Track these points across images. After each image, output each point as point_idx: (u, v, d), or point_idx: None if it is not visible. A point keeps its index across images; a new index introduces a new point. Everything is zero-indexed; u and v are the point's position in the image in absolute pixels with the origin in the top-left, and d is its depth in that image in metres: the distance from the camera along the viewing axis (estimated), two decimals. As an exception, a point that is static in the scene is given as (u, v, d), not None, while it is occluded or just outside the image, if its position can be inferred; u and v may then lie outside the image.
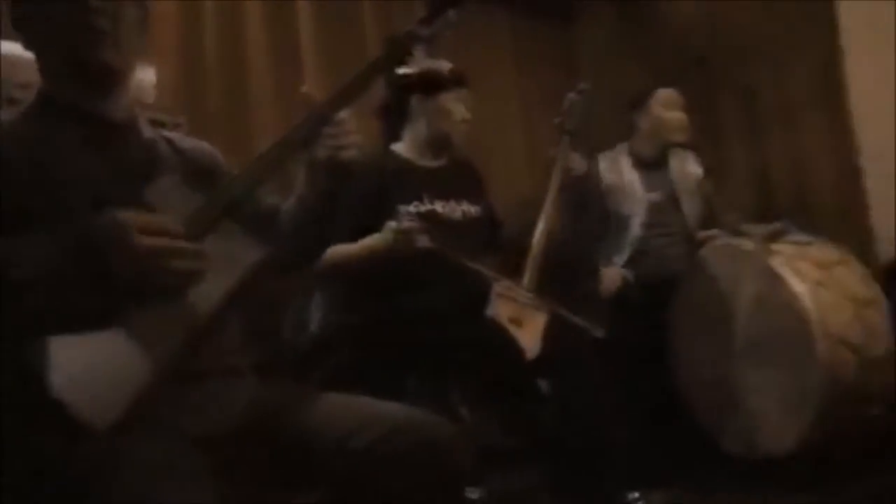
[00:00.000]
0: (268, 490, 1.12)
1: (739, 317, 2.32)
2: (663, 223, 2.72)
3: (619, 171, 2.76)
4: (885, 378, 2.20)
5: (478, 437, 2.01)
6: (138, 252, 0.96)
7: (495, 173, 2.58)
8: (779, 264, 2.23)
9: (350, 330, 2.09)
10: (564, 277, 2.30)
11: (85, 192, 1.09)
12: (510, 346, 1.85)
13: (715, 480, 2.26)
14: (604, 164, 2.80)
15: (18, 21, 1.20)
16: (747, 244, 2.38)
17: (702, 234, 2.70)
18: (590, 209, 2.58)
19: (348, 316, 2.10)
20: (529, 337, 1.93)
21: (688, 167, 2.82)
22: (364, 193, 2.02)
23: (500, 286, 1.99)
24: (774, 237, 2.37)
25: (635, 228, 2.68)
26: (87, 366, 0.95)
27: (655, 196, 2.72)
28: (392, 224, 1.86)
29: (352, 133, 1.20)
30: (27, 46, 1.21)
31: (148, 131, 1.29)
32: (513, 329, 1.92)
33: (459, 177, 2.22)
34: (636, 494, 1.93)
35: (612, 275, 2.61)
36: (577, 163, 2.27)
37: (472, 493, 1.88)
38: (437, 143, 2.19)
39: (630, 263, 2.66)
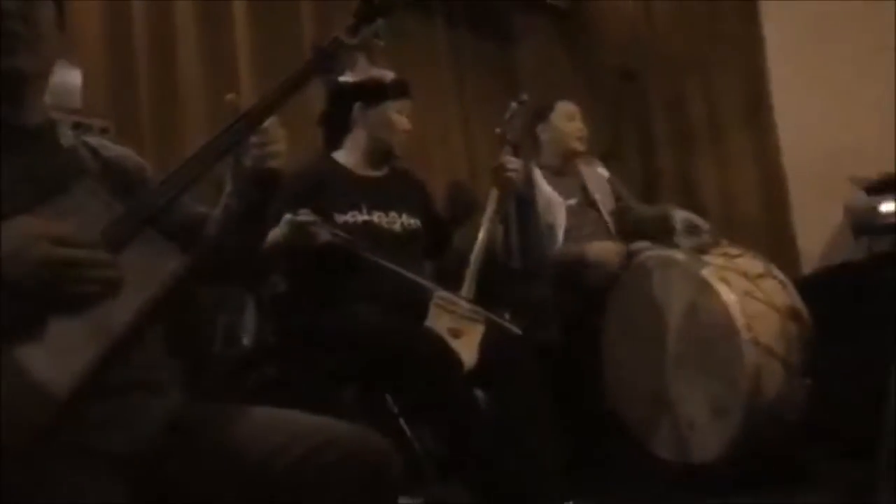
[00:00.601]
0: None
1: (670, 325, 2.37)
2: (583, 226, 2.80)
3: (535, 182, 2.82)
4: (805, 386, 2.28)
5: (414, 448, 2.00)
6: (47, 261, 0.92)
7: (436, 183, 2.57)
8: (709, 274, 2.29)
9: (285, 342, 2.06)
10: (508, 286, 2.32)
11: None
12: (448, 357, 1.84)
13: (646, 487, 2.30)
14: None
15: None
16: (678, 254, 2.44)
17: (633, 246, 2.78)
18: (532, 218, 2.61)
19: (283, 328, 2.07)
20: (467, 348, 1.94)
21: (597, 169, 2.97)
22: (300, 200, 1.99)
23: (439, 297, 1.99)
24: (705, 248, 2.43)
25: (560, 236, 2.74)
26: None
27: (572, 202, 2.82)
28: (288, 217, 1.82)
29: (278, 142, 1.18)
30: None
31: (68, 138, 1.24)
32: (451, 340, 1.93)
33: (400, 188, 2.22)
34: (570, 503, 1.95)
35: (608, 248, 2.65)
36: (518, 170, 2.29)
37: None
38: (378, 153, 2.18)
39: (558, 271, 2.70)
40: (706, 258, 2.39)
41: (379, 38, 1.21)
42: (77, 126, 1.40)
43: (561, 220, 2.77)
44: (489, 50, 3.64)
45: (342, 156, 2.19)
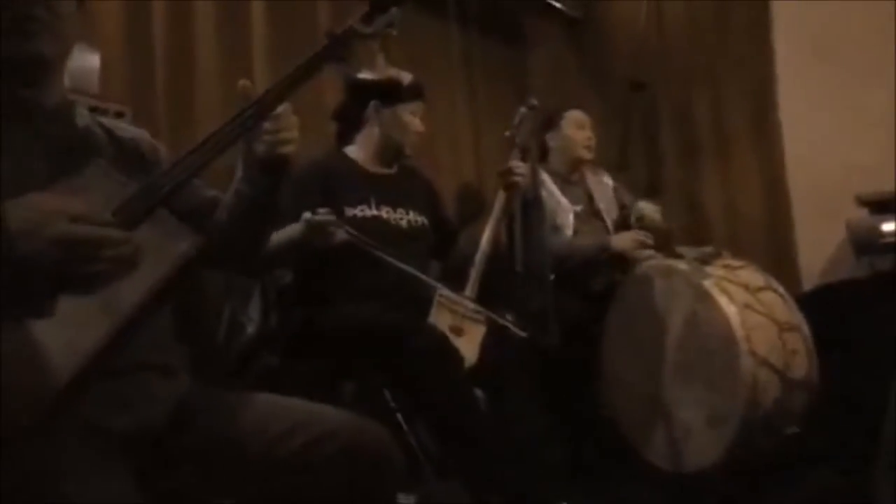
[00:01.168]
0: (191, 492, 1.10)
1: (670, 334, 2.38)
2: (587, 234, 2.82)
3: (545, 185, 2.84)
4: (802, 399, 2.30)
5: (410, 444, 2.01)
6: (63, 238, 0.93)
7: (444, 184, 2.59)
8: (710, 285, 2.31)
9: (288, 333, 2.07)
10: (511, 288, 2.33)
11: (8, 175, 1.05)
12: (449, 354, 1.86)
13: (639, 494, 2.31)
14: None
15: None
16: (680, 264, 2.46)
17: (636, 253, 2.81)
18: (540, 221, 2.63)
19: (287, 319, 2.08)
20: (468, 346, 1.96)
21: (602, 178, 3.00)
22: (311, 192, 2.02)
23: (442, 294, 2.01)
24: (707, 259, 2.45)
25: (566, 240, 2.76)
26: (7, 360, 0.92)
27: (577, 209, 2.85)
28: (307, 215, 1.84)
29: (290, 128, 1.19)
30: None
31: (84, 119, 1.25)
32: (452, 337, 1.95)
33: (408, 186, 2.24)
34: (564, 504, 1.97)
35: (630, 237, 2.69)
36: (525, 175, 2.31)
37: (404, 500, 1.87)
38: (389, 152, 2.21)
39: (560, 275, 2.72)
40: (708, 269, 2.40)
41: (392, 27, 1.21)
42: (94, 110, 1.41)
43: (569, 224, 2.79)
44: (501, 55, 3.66)
45: (353, 151, 2.22)
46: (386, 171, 2.22)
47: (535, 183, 2.58)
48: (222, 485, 1.11)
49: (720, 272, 2.40)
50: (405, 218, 2.16)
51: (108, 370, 1.01)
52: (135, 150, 1.28)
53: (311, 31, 2.73)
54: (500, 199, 2.26)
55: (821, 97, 3.15)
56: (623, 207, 2.96)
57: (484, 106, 3.50)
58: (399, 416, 2.02)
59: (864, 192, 2.67)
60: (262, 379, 2.04)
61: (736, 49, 3.41)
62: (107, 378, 1.02)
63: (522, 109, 2.41)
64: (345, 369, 2.04)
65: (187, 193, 1.23)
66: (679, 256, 2.53)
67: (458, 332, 1.99)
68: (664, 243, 2.79)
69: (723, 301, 2.26)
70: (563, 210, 2.81)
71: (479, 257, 2.15)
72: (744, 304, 2.27)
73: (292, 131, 1.20)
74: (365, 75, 2.19)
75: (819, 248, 3.15)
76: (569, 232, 2.78)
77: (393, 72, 2.20)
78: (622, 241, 2.70)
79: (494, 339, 2.01)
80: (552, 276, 2.64)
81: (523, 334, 1.99)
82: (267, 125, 1.17)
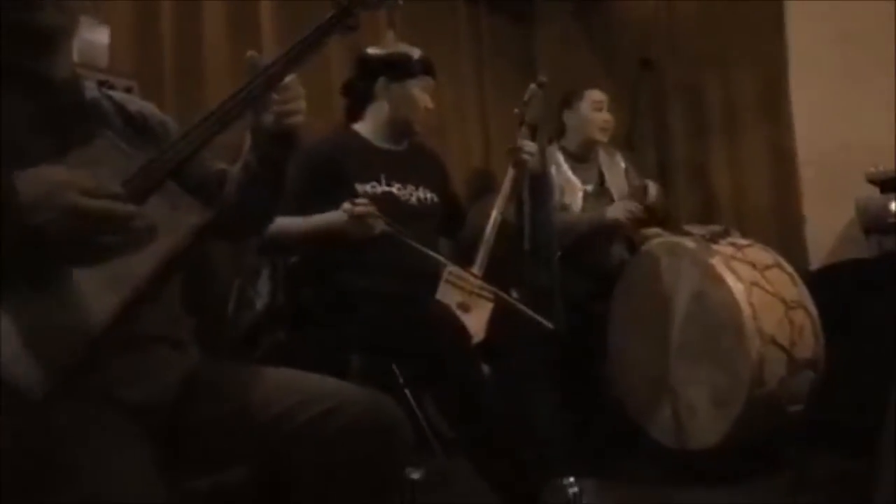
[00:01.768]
0: (202, 463, 1.11)
1: (677, 312, 2.39)
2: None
3: (557, 163, 2.84)
4: (808, 378, 2.31)
5: (418, 419, 2.03)
6: (74, 210, 0.93)
7: (452, 161, 2.59)
8: (718, 263, 2.31)
9: (296, 308, 2.08)
10: (522, 266, 2.34)
11: (17, 147, 1.05)
12: (457, 329, 1.87)
13: (644, 471, 2.33)
14: None
15: None
16: (688, 242, 2.46)
17: (643, 232, 2.81)
18: (546, 199, 2.63)
19: (295, 294, 2.09)
20: (476, 322, 1.97)
21: (615, 159, 3.00)
22: (320, 168, 2.02)
23: (451, 271, 2.02)
24: (715, 237, 2.45)
25: (563, 215, 2.77)
26: (19, 332, 0.94)
27: (588, 188, 2.85)
28: (347, 206, 1.86)
29: (298, 99, 1.19)
30: None
31: (92, 91, 1.26)
32: (460, 314, 1.95)
33: (418, 162, 2.24)
34: (571, 479, 1.98)
35: (622, 206, 2.71)
36: (533, 153, 2.30)
37: (413, 474, 1.89)
38: (399, 128, 2.20)
39: (568, 252, 2.73)
40: (715, 247, 2.40)
41: None
42: (102, 84, 1.42)
43: (577, 204, 2.80)
44: (509, 32, 3.64)
45: (362, 127, 2.21)
46: (395, 147, 2.22)
47: (544, 161, 2.58)
48: (233, 457, 1.12)
49: (728, 250, 2.40)
50: (415, 195, 2.16)
51: (120, 342, 1.02)
52: (143, 123, 1.28)
53: (320, 3, 2.70)
54: (509, 176, 2.26)
55: (831, 76, 3.13)
56: (633, 189, 2.96)
57: (492, 83, 3.49)
58: (407, 391, 2.03)
59: (874, 171, 2.66)
60: (270, 353, 2.05)
61: (747, 27, 3.38)
62: (118, 350, 1.03)
63: (532, 86, 2.40)
64: (353, 345, 2.05)
65: (195, 166, 1.23)
66: (686, 234, 2.53)
67: (466, 308, 2.00)
68: (658, 220, 2.84)
69: (730, 279, 2.26)
70: (572, 189, 2.82)
71: (486, 235, 2.15)
72: (751, 282, 2.28)
73: (300, 102, 1.20)
74: (374, 50, 2.18)
75: (828, 227, 3.14)
76: (576, 211, 2.78)
77: (403, 47, 2.18)
78: (615, 210, 2.72)
79: (501, 315, 2.01)
80: (559, 254, 2.65)
81: (529, 311, 1.99)
82: (275, 96, 1.17)
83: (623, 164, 3.00)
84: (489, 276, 2.08)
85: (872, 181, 2.68)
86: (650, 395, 2.43)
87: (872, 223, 2.78)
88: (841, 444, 2.20)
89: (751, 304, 2.22)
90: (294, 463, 1.09)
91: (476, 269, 2.09)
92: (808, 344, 2.32)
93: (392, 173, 2.13)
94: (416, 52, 2.19)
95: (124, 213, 0.97)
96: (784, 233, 3.22)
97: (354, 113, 2.23)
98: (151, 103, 1.36)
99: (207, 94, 2.39)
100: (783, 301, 2.31)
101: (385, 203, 2.04)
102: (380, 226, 1.88)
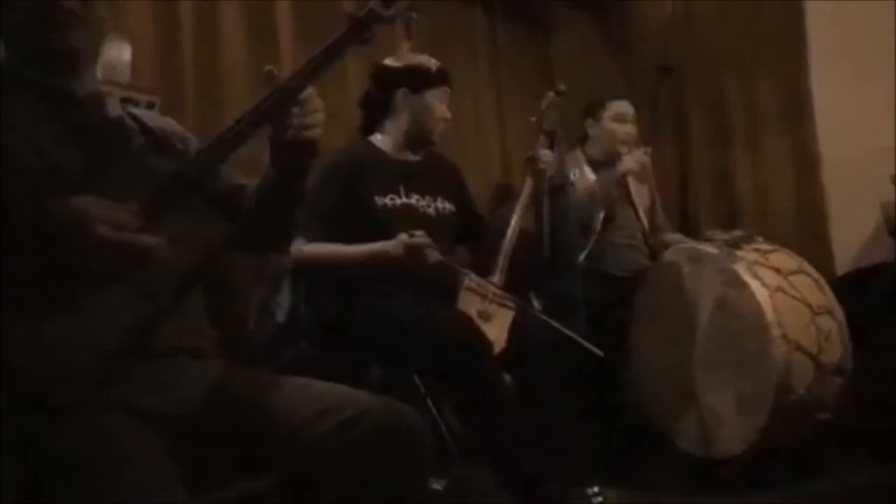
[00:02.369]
0: (224, 472, 1.12)
1: (700, 318, 2.36)
2: (616, 218, 2.81)
3: (580, 169, 2.82)
4: (835, 384, 2.27)
5: (440, 429, 2.02)
6: (96, 242, 0.96)
7: (469, 170, 2.59)
8: (741, 269, 2.28)
9: (318, 319, 2.09)
10: (541, 275, 2.34)
11: (43, 168, 1.08)
12: (478, 338, 1.87)
13: (669, 480, 2.31)
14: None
15: None
16: (710, 248, 2.43)
17: (666, 237, 2.79)
18: (565, 208, 2.63)
19: (317, 308, 2.10)
20: (496, 331, 1.97)
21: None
22: (339, 182, 2.03)
23: (470, 281, 2.02)
24: (738, 243, 2.42)
25: (597, 224, 2.75)
26: (41, 344, 0.96)
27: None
28: (404, 237, 1.90)
29: (316, 112, 1.20)
30: None
31: (115, 109, 1.28)
32: (480, 323, 1.95)
33: (435, 173, 2.25)
34: (595, 489, 1.96)
35: (634, 157, 2.75)
36: (551, 162, 2.30)
37: (436, 485, 1.89)
38: (418, 139, 2.21)
39: (590, 259, 2.71)
40: (739, 253, 2.37)
41: (412, 10, 1.22)
42: (125, 101, 1.44)
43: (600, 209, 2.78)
44: (525, 40, 3.63)
45: (380, 139, 2.22)
46: (413, 158, 2.23)
47: (563, 169, 2.57)
48: (255, 466, 1.13)
49: (752, 256, 2.37)
50: (433, 205, 2.17)
51: (144, 353, 1.03)
52: (165, 139, 1.30)
53: (337, 15, 2.73)
54: (528, 185, 2.26)
55: (854, 78, 3.09)
56: (653, 198, 2.96)
57: (509, 91, 3.48)
58: (429, 401, 2.03)
59: (899, 175, 2.62)
60: (291, 364, 2.06)
61: (767, 31, 3.35)
62: (142, 360, 1.05)
63: (549, 94, 2.40)
64: (373, 355, 2.05)
65: (216, 180, 1.24)
66: (709, 240, 2.50)
67: (487, 317, 2.00)
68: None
69: (754, 285, 2.24)
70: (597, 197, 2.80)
71: (506, 244, 2.15)
72: (776, 288, 2.25)
73: (318, 115, 1.20)
74: (392, 62, 2.19)
75: (853, 232, 3.09)
76: (599, 220, 2.75)
77: (420, 58, 2.19)
78: (626, 163, 2.74)
79: (522, 324, 2.00)
80: (581, 259, 2.65)
81: (548, 319, 1.98)
82: (294, 110, 1.18)
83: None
84: (509, 285, 2.08)
85: (898, 185, 2.64)
86: (674, 403, 2.40)
87: (899, 227, 2.74)
88: (870, 450, 2.17)
89: (775, 310, 2.19)
90: (316, 472, 1.09)
91: (496, 278, 2.09)
92: (836, 350, 2.28)
93: (410, 185, 2.14)
94: (433, 63, 2.20)
95: (147, 245, 1.00)
96: (809, 238, 3.18)
97: (371, 125, 2.24)
98: (172, 119, 1.38)
99: (228, 110, 2.42)
100: (809, 306, 2.28)
101: (404, 215, 2.05)
102: (434, 256, 1.91)
